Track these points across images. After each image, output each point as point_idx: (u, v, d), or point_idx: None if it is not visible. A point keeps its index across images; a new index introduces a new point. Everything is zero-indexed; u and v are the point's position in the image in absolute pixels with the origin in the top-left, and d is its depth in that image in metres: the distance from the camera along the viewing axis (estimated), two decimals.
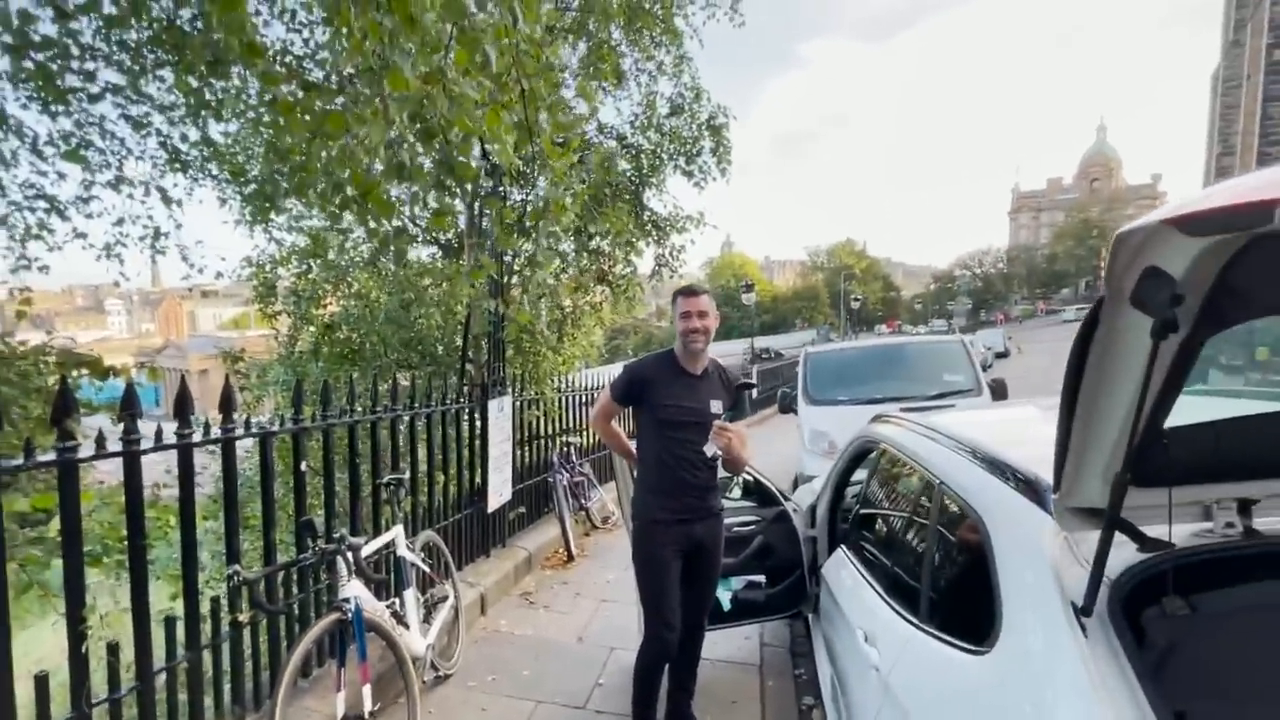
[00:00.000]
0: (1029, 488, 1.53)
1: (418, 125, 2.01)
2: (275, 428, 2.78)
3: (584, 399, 6.49)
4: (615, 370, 2.91)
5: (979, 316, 75.06)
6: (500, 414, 4.82)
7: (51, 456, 1.89)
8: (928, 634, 1.71)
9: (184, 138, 4.11)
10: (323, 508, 3.12)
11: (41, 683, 1.81)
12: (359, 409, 3.29)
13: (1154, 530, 1.31)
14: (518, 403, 5.27)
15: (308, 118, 1.93)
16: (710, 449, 2.59)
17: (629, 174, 6.54)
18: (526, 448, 5.57)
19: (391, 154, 2.02)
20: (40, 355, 3.00)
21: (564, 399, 6.27)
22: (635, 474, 2.86)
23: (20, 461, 1.82)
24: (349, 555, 2.52)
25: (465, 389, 4.58)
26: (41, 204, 4.13)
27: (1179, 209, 0.85)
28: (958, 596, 1.75)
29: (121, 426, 2.10)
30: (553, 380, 6.08)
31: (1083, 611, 1.23)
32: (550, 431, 6.02)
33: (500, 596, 4.47)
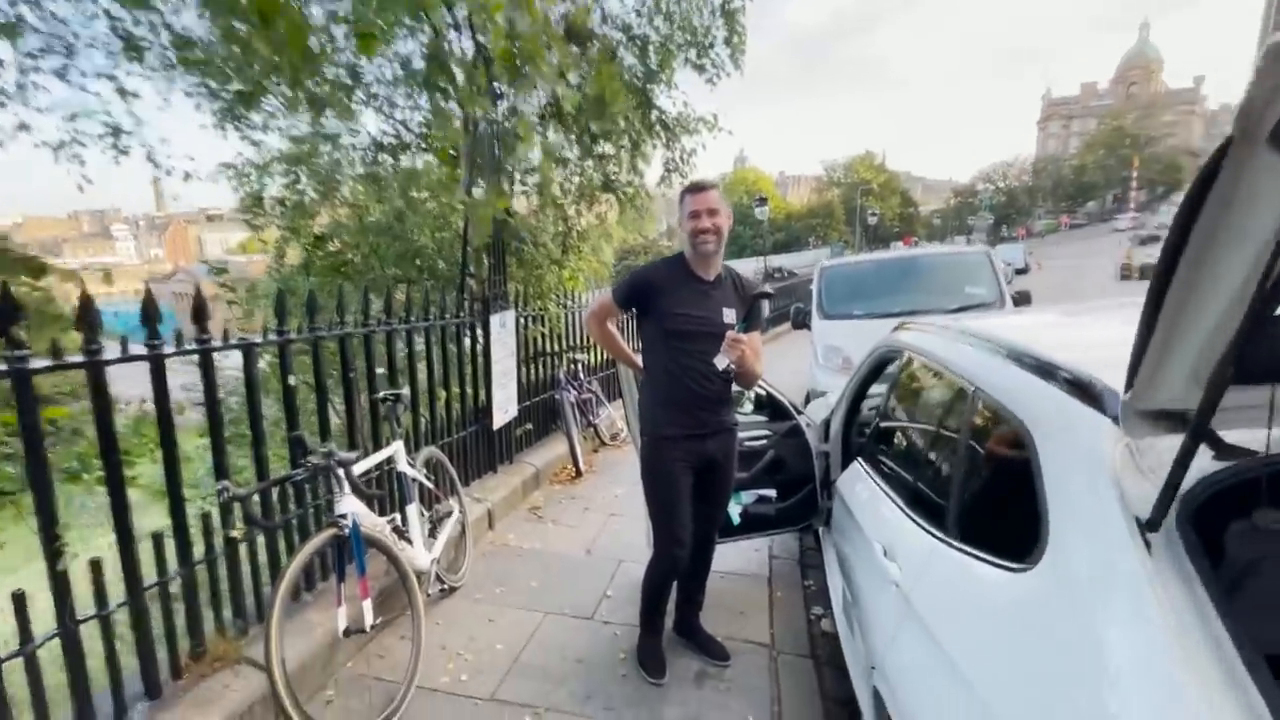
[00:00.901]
0: (1083, 391, 1.34)
1: None
2: (258, 340, 2.62)
3: None
4: None
5: (1000, 232, 72.82)
6: (503, 329, 4.66)
7: (2, 367, 1.74)
8: (957, 549, 1.57)
9: (136, 21, 3.69)
10: (319, 426, 3.00)
11: (19, 601, 1.74)
12: (349, 321, 3.13)
13: (1234, 436, 1.12)
14: (521, 319, 5.09)
15: None
16: (722, 361, 2.40)
17: (635, 69, 6.03)
18: (532, 365, 5.45)
19: None
20: None
21: (570, 315, 6.08)
22: (640, 385, 2.70)
23: None
24: (339, 471, 2.41)
25: (466, 303, 4.38)
26: None
27: None
28: (994, 509, 1.60)
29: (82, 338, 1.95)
30: (557, 297, 5.85)
31: (1148, 526, 1.06)
32: (557, 349, 5.88)
33: (508, 511, 4.46)
